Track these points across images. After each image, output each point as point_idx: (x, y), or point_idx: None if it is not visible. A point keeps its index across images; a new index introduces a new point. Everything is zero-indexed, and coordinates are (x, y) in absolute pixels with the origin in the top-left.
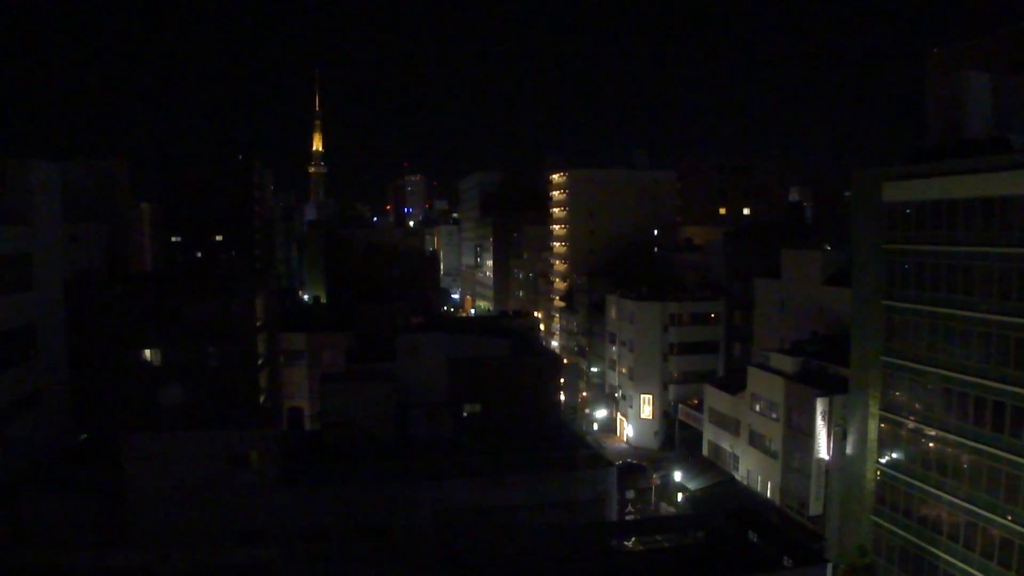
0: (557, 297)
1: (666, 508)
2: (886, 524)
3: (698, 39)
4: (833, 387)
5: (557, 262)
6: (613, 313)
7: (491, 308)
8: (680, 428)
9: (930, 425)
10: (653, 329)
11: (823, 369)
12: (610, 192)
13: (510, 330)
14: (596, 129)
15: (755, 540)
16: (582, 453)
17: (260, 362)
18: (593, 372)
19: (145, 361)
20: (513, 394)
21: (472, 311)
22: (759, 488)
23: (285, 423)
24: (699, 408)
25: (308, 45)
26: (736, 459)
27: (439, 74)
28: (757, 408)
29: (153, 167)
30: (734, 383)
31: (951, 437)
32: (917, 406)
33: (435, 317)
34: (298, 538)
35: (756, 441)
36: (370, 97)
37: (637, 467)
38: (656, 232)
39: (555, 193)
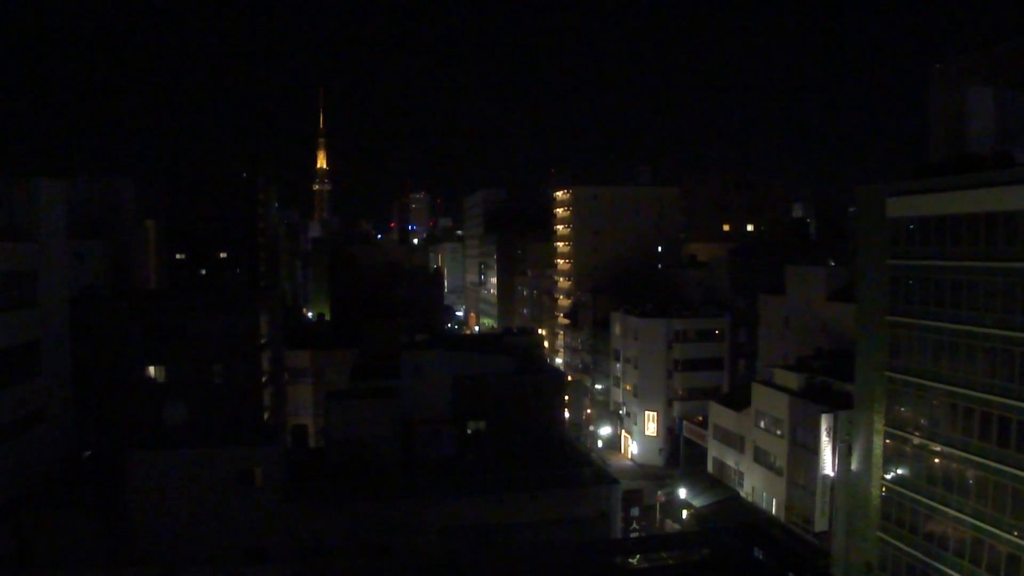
0: (561, 314)
1: (671, 525)
2: (892, 540)
3: (701, 55)
4: (838, 403)
5: (561, 279)
6: (617, 330)
7: (495, 325)
8: (685, 445)
9: (935, 441)
10: (657, 346)
11: (828, 385)
12: (614, 209)
13: (514, 347)
14: (600, 146)
15: (760, 557)
16: (586, 470)
17: (264, 379)
18: (598, 389)
19: (149, 378)
20: (517, 411)
21: (476, 328)
22: (764, 505)
23: (289, 440)
24: (704, 425)
25: (313, 63)
26: (741, 476)
27: (443, 92)
28: (762, 425)
29: (158, 184)
30: (739, 400)
31: (957, 453)
32: (922, 422)
33: (439, 334)
34: (302, 556)
35: (761, 458)
36: (374, 115)
37: (631, 491)
38: (660, 248)
39: (559, 210)
